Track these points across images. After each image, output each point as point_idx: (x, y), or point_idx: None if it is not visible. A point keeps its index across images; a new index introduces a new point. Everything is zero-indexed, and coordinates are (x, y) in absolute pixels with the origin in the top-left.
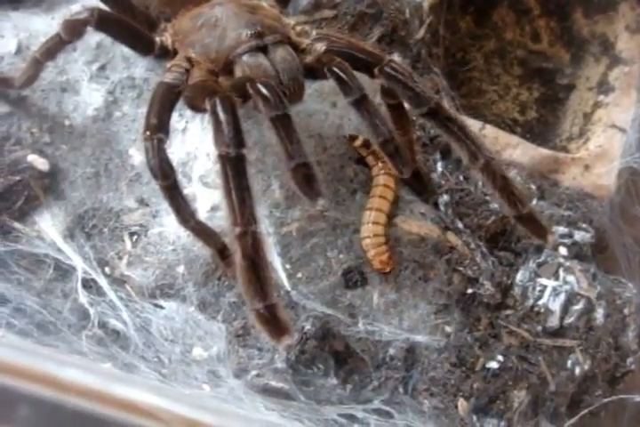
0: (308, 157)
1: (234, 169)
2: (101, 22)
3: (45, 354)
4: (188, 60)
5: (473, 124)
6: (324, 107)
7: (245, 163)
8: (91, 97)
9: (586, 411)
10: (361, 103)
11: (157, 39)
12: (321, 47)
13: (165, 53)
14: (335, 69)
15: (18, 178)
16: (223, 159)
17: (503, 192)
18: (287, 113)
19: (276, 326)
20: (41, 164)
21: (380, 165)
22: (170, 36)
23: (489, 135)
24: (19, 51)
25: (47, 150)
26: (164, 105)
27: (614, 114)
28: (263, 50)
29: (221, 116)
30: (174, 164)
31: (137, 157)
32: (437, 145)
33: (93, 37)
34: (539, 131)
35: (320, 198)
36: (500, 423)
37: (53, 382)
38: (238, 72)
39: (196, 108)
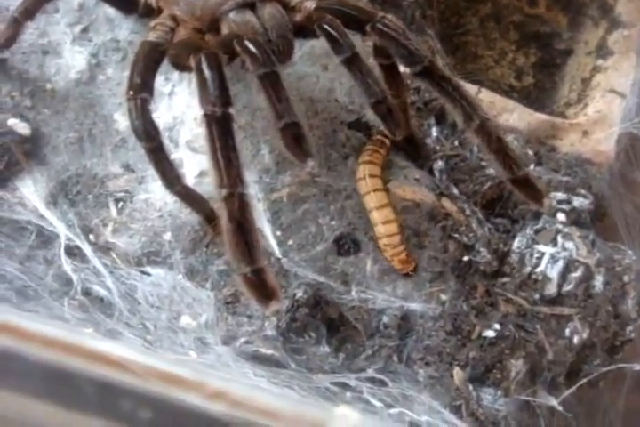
0: (298, 116)
1: (220, 128)
2: None
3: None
4: (173, 18)
5: (468, 88)
6: (315, 70)
7: (232, 122)
8: (73, 60)
9: (584, 380)
10: (352, 62)
11: None
12: (311, 5)
13: (150, 12)
14: (325, 26)
15: None
16: (209, 118)
17: (498, 154)
18: (276, 70)
19: (263, 291)
20: (22, 128)
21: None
22: None
23: (485, 99)
24: None
25: (28, 115)
26: (147, 64)
27: (613, 78)
28: (251, 7)
29: (207, 73)
30: (161, 128)
31: (122, 121)
32: (432, 109)
33: None
34: (536, 97)
35: (310, 159)
36: (496, 392)
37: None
38: (225, 30)
39: (182, 66)
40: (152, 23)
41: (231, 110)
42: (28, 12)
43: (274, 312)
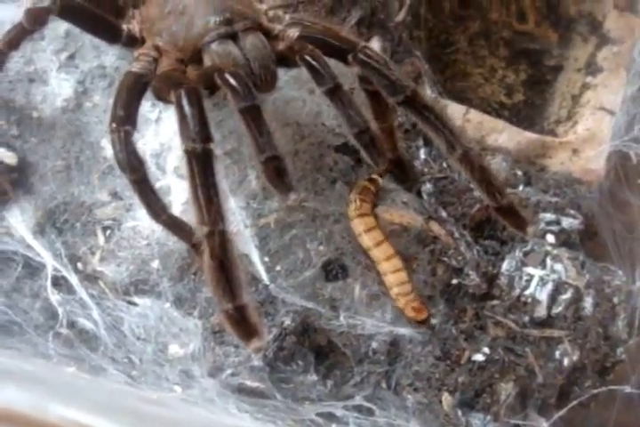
0: (279, 149)
1: (200, 165)
2: (64, 10)
3: None
4: (156, 48)
5: (456, 110)
6: (301, 94)
7: (212, 158)
8: (60, 87)
9: (575, 402)
10: (334, 93)
11: (125, 27)
12: (294, 33)
13: (133, 41)
14: (307, 58)
15: None
16: (189, 155)
17: (482, 183)
18: (256, 104)
19: (245, 328)
20: (8, 157)
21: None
22: (137, 23)
23: (473, 120)
24: None
25: (15, 143)
26: (131, 96)
27: (603, 95)
28: (233, 37)
29: (186, 108)
30: (148, 155)
31: (109, 149)
32: (420, 131)
33: (61, 26)
34: (526, 114)
35: (292, 193)
36: (486, 417)
37: None
38: (207, 61)
39: (163, 99)
40: (136, 53)
41: (211, 146)
42: (13, 43)
43: (256, 350)
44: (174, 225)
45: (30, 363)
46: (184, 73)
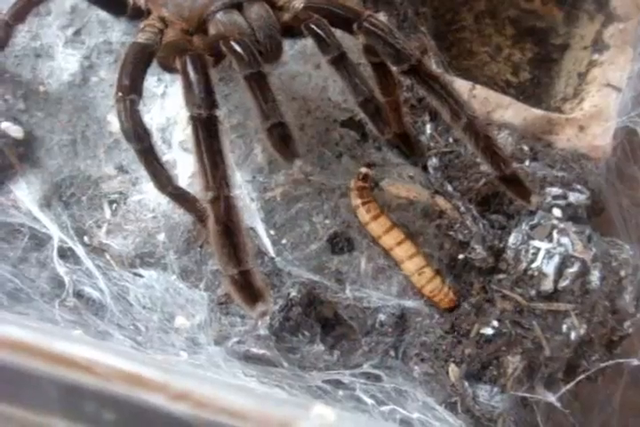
0: (284, 116)
1: (205, 131)
2: None
3: None
4: (162, 19)
5: (462, 85)
6: (307, 68)
7: (218, 124)
8: (66, 62)
9: (582, 376)
10: (339, 61)
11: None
12: (299, 4)
13: (139, 14)
14: (312, 26)
15: None
16: (194, 121)
17: (486, 152)
18: (261, 71)
19: (250, 293)
20: (15, 131)
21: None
22: None
23: (479, 96)
24: None
25: (22, 117)
26: (136, 66)
27: (609, 73)
28: (238, 7)
29: (192, 75)
30: (154, 129)
31: (115, 123)
32: (426, 106)
33: (68, 1)
34: (532, 92)
35: (297, 159)
36: (493, 389)
37: None
38: (212, 31)
39: (169, 68)
40: (141, 24)
41: (217, 113)
42: (19, 15)
43: (261, 315)
44: (180, 196)
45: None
46: (190, 42)
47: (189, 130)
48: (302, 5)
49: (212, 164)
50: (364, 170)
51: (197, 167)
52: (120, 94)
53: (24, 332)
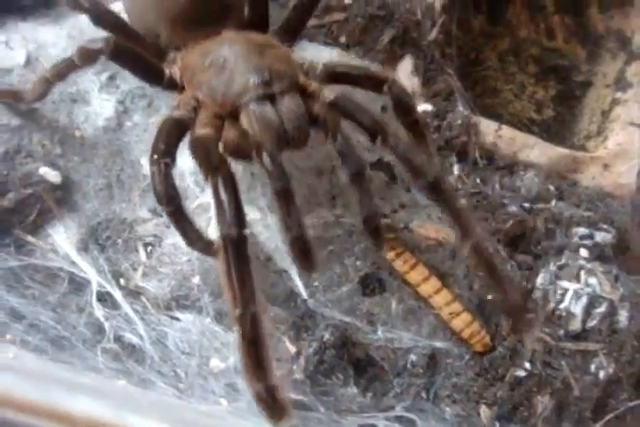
0: (305, 229)
1: (235, 250)
2: (116, 53)
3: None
4: (196, 99)
5: (489, 126)
6: None
7: (247, 243)
8: (101, 107)
9: (611, 415)
10: (356, 178)
11: (167, 71)
12: (329, 95)
13: (174, 86)
14: (338, 138)
15: (30, 191)
16: (225, 239)
17: (491, 274)
18: (289, 188)
19: (275, 408)
20: (53, 176)
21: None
22: (178, 69)
23: (505, 136)
24: (28, 62)
25: (59, 162)
26: (170, 136)
27: (633, 111)
28: (270, 98)
29: (223, 196)
30: (186, 173)
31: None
32: (454, 147)
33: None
34: (556, 130)
35: (314, 271)
36: None
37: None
38: (244, 120)
39: (198, 164)
40: (177, 99)
41: (246, 232)
42: (61, 75)
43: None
44: (211, 250)
45: (85, 376)
46: (220, 131)
47: (220, 247)
48: (332, 98)
49: (241, 282)
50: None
51: (225, 283)
52: (155, 157)
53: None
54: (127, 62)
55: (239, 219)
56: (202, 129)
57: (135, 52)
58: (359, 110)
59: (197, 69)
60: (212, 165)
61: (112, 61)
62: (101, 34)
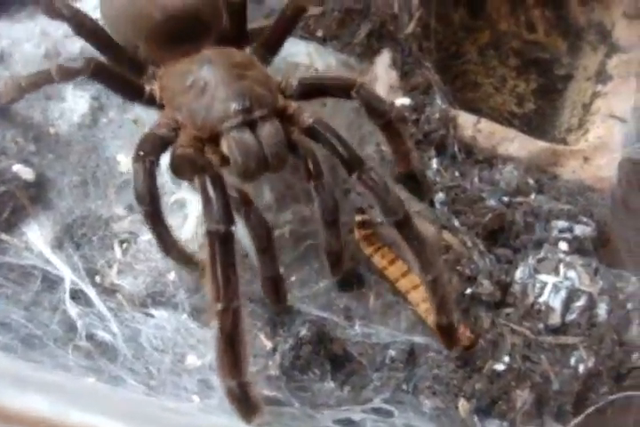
0: (278, 270)
1: (222, 246)
2: (96, 73)
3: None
4: (176, 121)
5: (468, 119)
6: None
7: (233, 239)
8: (76, 104)
9: (592, 409)
10: (328, 216)
11: (147, 88)
12: (307, 120)
13: (153, 103)
14: (314, 183)
15: (3, 189)
16: (212, 235)
17: (442, 306)
18: (269, 232)
19: (246, 405)
20: (27, 173)
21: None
22: (158, 88)
23: (484, 129)
24: (1, 59)
25: (33, 159)
26: (155, 146)
27: (613, 103)
28: (251, 124)
29: (211, 194)
30: (164, 169)
31: (124, 163)
32: (432, 141)
33: (76, 43)
34: (537, 123)
35: (283, 304)
36: (502, 424)
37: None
38: (224, 146)
39: (182, 177)
40: (157, 121)
41: (233, 228)
42: (36, 86)
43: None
44: (183, 259)
45: (52, 374)
46: (202, 152)
47: (206, 243)
48: (310, 123)
49: (225, 278)
50: (359, 218)
51: (209, 278)
52: (140, 153)
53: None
54: (107, 82)
55: (227, 215)
56: (182, 149)
57: (114, 72)
58: (337, 139)
59: (177, 91)
60: (198, 166)
61: (91, 80)
62: None
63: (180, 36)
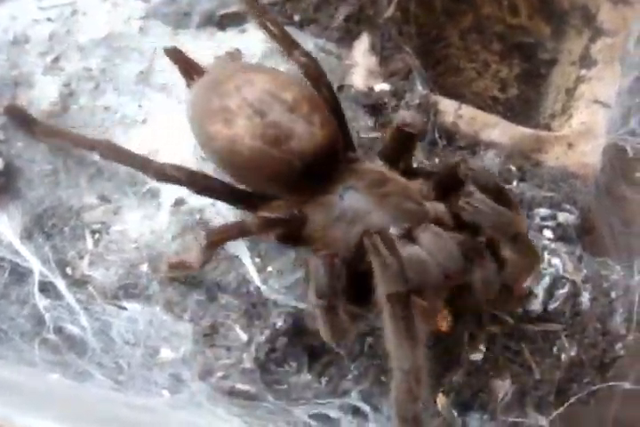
0: None
1: (404, 308)
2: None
3: None
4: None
5: (448, 105)
6: None
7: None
8: (46, 90)
9: (574, 399)
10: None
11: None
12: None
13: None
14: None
15: None
16: (392, 299)
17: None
18: None
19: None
20: None
21: None
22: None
23: (466, 115)
24: None
25: (1, 148)
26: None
27: (597, 88)
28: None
29: (387, 256)
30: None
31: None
32: None
33: (46, 28)
34: (520, 108)
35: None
36: (483, 417)
37: None
38: None
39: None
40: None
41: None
42: None
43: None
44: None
45: (14, 371)
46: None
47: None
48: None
49: (411, 340)
50: None
51: (397, 342)
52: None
53: None
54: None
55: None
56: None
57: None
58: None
59: (324, 225)
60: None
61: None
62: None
63: (319, 175)
